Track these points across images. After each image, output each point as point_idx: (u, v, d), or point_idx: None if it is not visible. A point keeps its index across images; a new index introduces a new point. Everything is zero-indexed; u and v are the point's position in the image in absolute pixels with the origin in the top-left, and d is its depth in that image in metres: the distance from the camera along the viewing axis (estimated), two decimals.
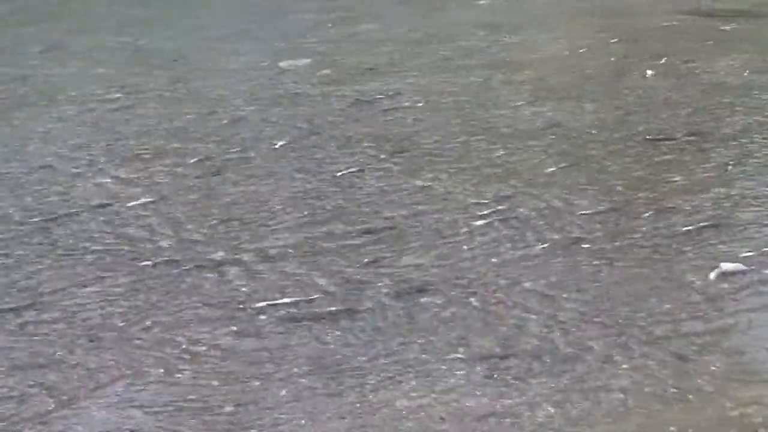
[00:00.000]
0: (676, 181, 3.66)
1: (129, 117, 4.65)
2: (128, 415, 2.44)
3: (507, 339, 2.69)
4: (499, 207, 3.50)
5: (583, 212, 3.43)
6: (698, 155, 3.87)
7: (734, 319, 2.74)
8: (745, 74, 4.77)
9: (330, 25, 6.22)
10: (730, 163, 3.78)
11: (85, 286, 3.08)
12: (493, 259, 3.13)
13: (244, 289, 3.03)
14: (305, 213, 3.54)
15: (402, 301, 2.92)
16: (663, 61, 5.05)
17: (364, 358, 2.64)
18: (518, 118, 4.38)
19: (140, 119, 4.62)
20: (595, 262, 3.09)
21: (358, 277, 3.06)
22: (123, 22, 6.52)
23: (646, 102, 4.49)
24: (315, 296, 2.96)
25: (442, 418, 2.38)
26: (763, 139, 4.01)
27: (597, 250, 3.16)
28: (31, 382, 2.58)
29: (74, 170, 4.02)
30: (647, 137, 4.08)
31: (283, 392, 2.51)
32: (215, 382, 2.56)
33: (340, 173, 3.87)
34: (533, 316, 2.80)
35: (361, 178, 3.82)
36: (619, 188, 3.61)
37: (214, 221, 3.51)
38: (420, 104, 4.64)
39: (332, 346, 2.70)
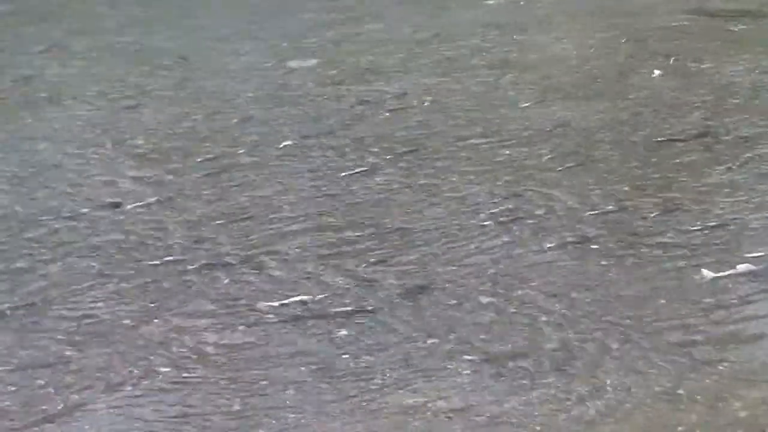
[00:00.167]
0: (684, 181, 3.65)
1: (135, 117, 4.66)
2: (136, 414, 2.45)
3: (515, 339, 2.69)
4: (507, 207, 3.49)
5: (591, 212, 3.42)
6: (707, 156, 3.86)
7: (743, 320, 2.74)
8: (754, 74, 4.76)
9: (335, 25, 6.21)
10: (739, 163, 3.77)
11: (93, 286, 3.08)
12: (501, 259, 3.13)
13: (251, 288, 3.03)
14: (313, 213, 3.54)
15: (410, 300, 2.91)
16: (671, 61, 5.04)
17: (371, 358, 2.63)
18: (525, 118, 4.37)
19: (146, 119, 4.62)
20: (603, 263, 3.08)
21: (366, 276, 3.06)
22: (125, 22, 6.52)
23: (654, 102, 4.48)
24: (323, 296, 2.96)
25: (449, 418, 2.38)
26: None
27: (605, 250, 3.16)
28: (40, 381, 2.59)
29: (82, 170, 4.03)
30: (655, 138, 4.07)
31: (291, 391, 2.51)
32: (223, 381, 2.56)
33: (347, 173, 3.87)
34: (541, 316, 2.79)
35: (369, 178, 3.82)
36: (627, 189, 3.60)
37: (222, 221, 3.51)
38: (427, 104, 4.63)
39: (340, 346, 2.70)
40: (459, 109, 4.54)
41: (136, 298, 2.99)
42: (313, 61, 5.44)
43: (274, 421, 2.40)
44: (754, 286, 2.90)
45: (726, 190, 3.55)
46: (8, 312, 2.95)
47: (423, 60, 5.36)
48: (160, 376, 2.59)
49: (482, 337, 2.71)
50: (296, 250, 3.26)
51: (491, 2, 6.58)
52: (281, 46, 5.79)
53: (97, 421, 2.43)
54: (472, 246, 3.23)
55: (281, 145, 4.20)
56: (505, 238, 3.27)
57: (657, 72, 4.89)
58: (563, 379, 2.50)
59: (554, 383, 2.48)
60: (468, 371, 2.55)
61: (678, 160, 3.84)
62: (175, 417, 2.43)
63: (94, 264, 3.22)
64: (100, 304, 2.97)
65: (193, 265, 3.18)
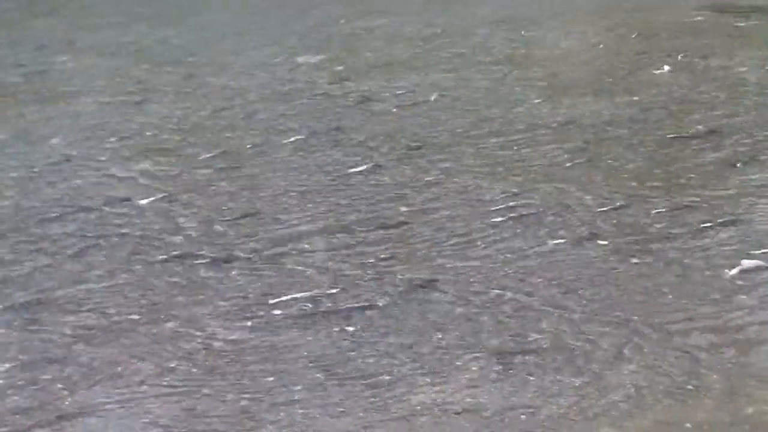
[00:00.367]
0: (693, 177, 3.64)
1: (144, 112, 4.66)
2: (145, 410, 2.45)
3: (522, 335, 2.69)
4: (515, 203, 3.49)
5: (599, 209, 3.42)
6: (716, 152, 3.85)
7: (751, 317, 2.73)
8: (763, 71, 4.74)
9: (344, 20, 6.21)
10: (749, 160, 3.76)
11: (101, 281, 3.08)
12: (509, 255, 3.13)
13: (258, 284, 3.03)
14: (320, 209, 3.54)
15: (418, 297, 2.91)
16: (680, 57, 5.03)
17: (379, 354, 2.63)
18: (534, 114, 4.37)
19: (155, 114, 4.62)
20: (610, 259, 3.08)
21: (374, 273, 3.06)
22: (133, 18, 6.52)
23: (663, 98, 4.47)
24: (329, 292, 2.96)
25: (457, 414, 2.37)
26: None
27: (613, 246, 3.15)
28: (47, 377, 2.59)
29: (90, 166, 4.03)
30: (665, 134, 4.06)
31: (299, 388, 2.51)
32: (230, 377, 2.56)
33: (354, 169, 3.87)
34: (547, 312, 2.79)
35: (376, 174, 3.82)
36: (635, 184, 3.60)
37: (229, 216, 3.51)
38: (435, 100, 4.63)
39: (347, 342, 2.70)
40: (467, 105, 4.53)
41: (145, 294, 3.00)
42: (320, 57, 5.44)
43: (282, 418, 2.40)
44: (764, 281, 2.89)
45: (735, 186, 3.54)
46: (17, 307, 2.95)
47: (431, 56, 5.35)
48: (169, 372, 2.59)
49: (491, 333, 2.70)
50: (304, 246, 3.26)
51: None
52: (289, 41, 5.79)
53: (106, 417, 2.43)
54: (480, 242, 3.23)
55: (289, 141, 4.20)
56: (513, 235, 3.26)
57: (666, 68, 4.88)
58: (572, 376, 2.49)
59: (563, 380, 2.48)
60: (476, 368, 2.55)
61: (687, 157, 3.83)
62: (183, 413, 2.43)
63: (102, 259, 3.23)
64: (108, 300, 2.97)
65: (200, 261, 3.18)
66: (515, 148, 4.00)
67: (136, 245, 3.31)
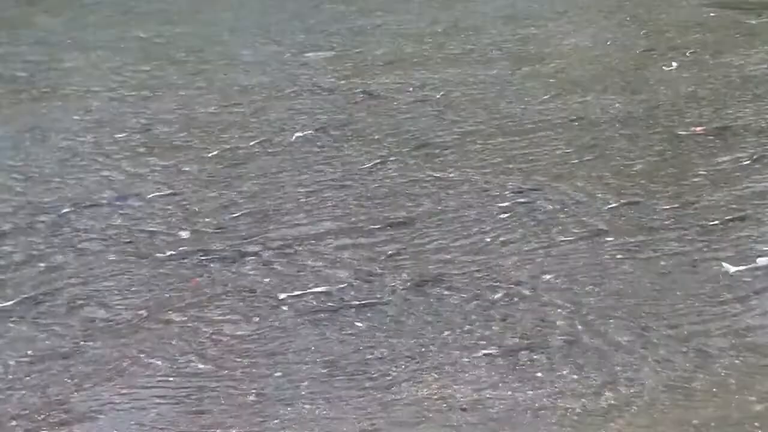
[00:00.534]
0: (701, 174, 3.63)
1: (150, 108, 4.66)
2: (150, 404, 2.45)
3: (529, 332, 2.68)
4: (523, 200, 3.48)
5: (606, 205, 3.41)
6: (724, 149, 3.84)
7: (759, 314, 2.72)
8: None
9: (352, 17, 6.21)
10: (756, 156, 3.75)
11: (106, 277, 3.09)
12: (516, 252, 3.12)
13: (266, 280, 3.03)
14: (327, 205, 3.53)
15: (424, 292, 2.91)
16: (688, 54, 5.01)
17: (385, 350, 2.63)
18: (542, 111, 4.36)
19: (162, 111, 4.62)
20: (618, 256, 3.07)
21: (380, 269, 3.06)
22: (142, 14, 6.53)
23: (672, 95, 4.46)
24: (337, 288, 2.96)
25: (463, 410, 2.37)
26: None
27: (621, 243, 3.15)
28: (54, 371, 2.60)
29: (98, 161, 4.04)
30: (672, 130, 4.05)
31: (305, 383, 2.51)
32: (237, 373, 2.56)
33: (362, 166, 3.86)
34: (556, 309, 2.78)
35: (383, 170, 3.81)
36: (644, 181, 3.59)
37: (236, 212, 3.51)
38: (443, 97, 4.62)
39: (354, 338, 2.70)
40: (475, 102, 4.52)
41: (152, 289, 3.00)
42: (329, 54, 5.44)
43: (288, 413, 2.40)
44: None
45: (743, 183, 3.53)
46: (24, 303, 2.95)
47: (439, 53, 5.34)
48: (177, 367, 2.59)
49: (496, 329, 2.70)
50: (312, 242, 3.26)
51: None
52: (297, 38, 5.79)
53: (114, 411, 2.43)
54: (487, 239, 3.23)
55: (296, 138, 4.20)
56: (521, 231, 3.26)
57: (674, 64, 4.87)
58: (577, 372, 2.49)
59: (568, 376, 2.48)
60: (482, 363, 2.55)
61: (694, 153, 3.82)
62: (190, 407, 2.43)
63: (109, 255, 3.23)
64: (115, 295, 2.97)
65: (208, 257, 3.18)
66: (524, 144, 3.99)
67: (144, 241, 3.31)
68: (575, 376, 2.48)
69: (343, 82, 4.92)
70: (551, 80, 4.75)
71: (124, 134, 4.33)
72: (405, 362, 2.57)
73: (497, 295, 2.87)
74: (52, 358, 2.66)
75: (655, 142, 3.96)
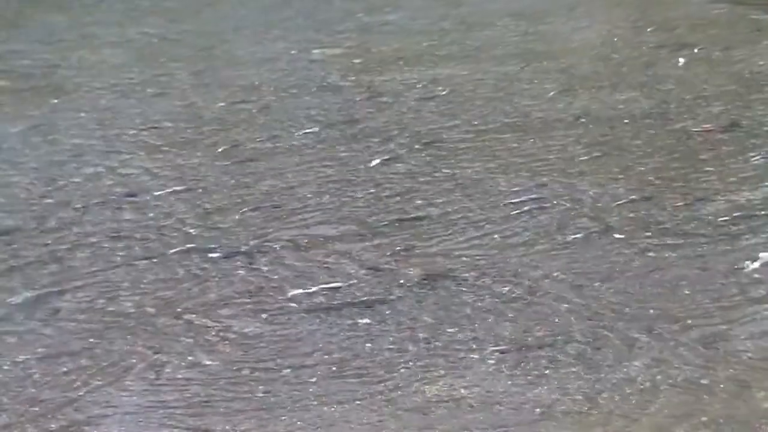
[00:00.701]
0: (709, 170, 3.62)
1: (159, 105, 4.67)
2: (159, 401, 2.45)
3: (538, 328, 2.68)
4: (531, 197, 3.48)
5: (615, 202, 3.41)
6: (733, 145, 3.83)
7: None
8: None
9: (360, 13, 6.21)
10: (765, 153, 3.74)
11: (115, 274, 3.09)
12: (524, 249, 3.12)
13: (274, 276, 3.03)
14: (335, 202, 3.54)
15: (432, 290, 2.91)
16: (697, 50, 5.00)
17: (394, 347, 2.63)
18: (550, 107, 4.36)
19: (170, 108, 4.63)
20: (627, 252, 3.07)
21: (389, 266, 3.06)
22: (150, 10, 6.54)
23: (680, 91, 4.45)
24: (345, 285, 2.96)
25: (472, 407, 2.37)
26: None
27: (629, 240, 3.14)
28: (63, 368, 2.60)
29: (105, 158, 4.04)
30: (682, 127, 4.04)
31: (313, 380, 2.51)
32: (245, 370, 2.56)
33: (370, 162, 3.86)
34: (564, 306, 2.78)
35: (392, 167, 3.81)
36: (652, 178, 3.58)
37: (244, 209, 3.51)
38: (451, 93, 4.62)
39: (362, 335, 2.70)
40: (483, 99, 4.52)
41: (159, 287, 3.00)
42: (336, 50, 5.44)
43: (296, 410, 2.40)
44: None
45: (752, 180, 3.52)
46: (33, 300, 2.96)
47: (447, 49, 5.34)
48: (183, 364, 2.60)
49: (505, 326, 2.70)
50: (319, 239, 3.26)
51: None
52: (304, 35, 5.79)
53: (120, 408, 2.44)
54: (496, 236, 3.22)
55: (303, 134, 4.20)
56: (529, 228, 3.26)
57: (682, 60, 4.86)
58: (587, 370, 2.49)
59: (578, 373, 2.47)
60: (491, 361, 2.55)
61: (703, 150, 3.81)
62: (197, 405, 2.44)
63: (117, 252, 3.23)
64: (123, 293, 2.98)
65: (216, 253, 3.19)
66: (531, 141, 3.99)
67: (152, 238, 3.32)
68: (584, 374, 2.47)
69: (351, 78, 4.92)
70: (560, 77, 4.75)
71: (133, 131, 4.34)
72: (413, 359, 2.57)
73: (506, 293, 2.87)
74: (62, 354, 2.67)
75: (665, 139, 3.95)
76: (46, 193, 3.72)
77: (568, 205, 3.41)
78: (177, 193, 3.68)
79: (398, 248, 3.17)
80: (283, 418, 2.38)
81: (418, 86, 4.75)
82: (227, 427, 2.35)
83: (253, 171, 3.85)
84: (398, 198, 3.54)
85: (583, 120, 4.19)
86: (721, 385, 2.40)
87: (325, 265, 3.08)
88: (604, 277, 2.92)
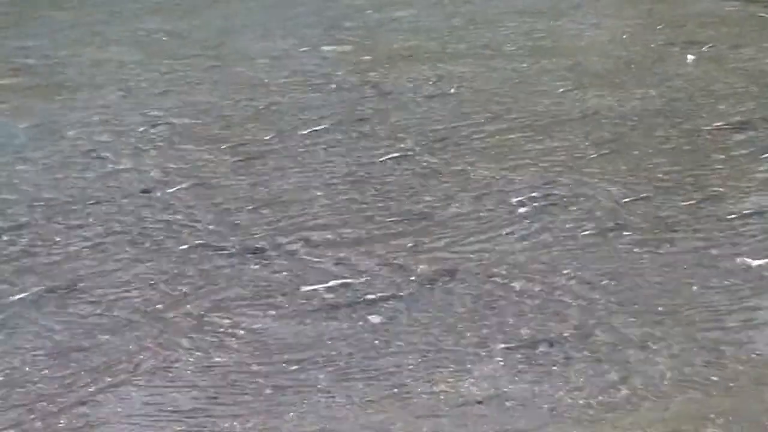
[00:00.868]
0: (719, 168, 3.61)
1: (168, 102, 4.67)
2: (168, 398, 2.46)
3: (546, 326, 2.68)
4: (539, 194, 3.47)
5: (625, 200, 3.40)
6: (743, 143, 3.83)
7: None
8: None
9: (369, 11, 6.20)
10: None
11: (125, 270, 3.10)
12: (534, 246, 3.11)
13: (284, 273, 3.04)
14: (345, 199, 3.53)
15: (440, 286, 2.91)
16: (706, 48, 4.99)
17: (402, 344, 2.63)
18: (559, 105, 4.35)
19: (179, 104, 4.63)
20: (636, 250, 3.06)
21: (398, 262, 3.06)
22: (158, 7, 6.54)
23: (689, 89, 4.44)
24: (355, 282, 2.96)
25: (480, 403, 2.37)
26: None
27: (638, 237, 3.14)
28: (73, 365, 2.61)
29: (113, 156, 4.05)
30: (690, 124, 4.03)
31: (322, 376, 2.51)
32: (255, 366, 2.57)
33: (379, 159, 3.86)
34: (574, 304, 2.78)
35: (401, 164, 3.81)
36: (661, 175, 3.58)
37: (254, 206, 3.51)
38: (460, 91, 4.61)
39: (371, 332, 2.70)
40: (492, 96, 4.52)
41: (168, 283, 3.01)
42: (345, 48, 5.44)
43: (305, 406, 2.40)
44: None
45: (762, 177, 3.51)
46: (41, 297, 2.97)
47: (456, 46, 5.34)
48: (192, 360, 2.60)
49: (514, 323, 2.70)
50: (327, 236, 3.26)
51: None
52: (314, 32, 5.79)
53: (129, 404, 2.44)
54: (505, 233, 3.22)
55: (313, 131, 4.20)
56: (538, 225, 3.25)
57: (691, 57, 4.85)
58: (595, 366, 2.49)
59: (586, 370, 2.47)
60: (499, 357, 2.54)
61: (714, 148, 3.81)
62: (206, 400, 2.44)
63: (125, 249, 3.24)
64: (132, 289, 2.98)
65: (224, 250, 3.19)
66: (540, 138, 3.98)
67: (158, 236, 3.32)
68: (591, 371, 2.47)
69: (359, 75, 4.92)
70: (569, 74, 4.74)
71: (140, 129, 4.34)
72: (421, 355, 2.57)
73: (516, 291, 2.86)
74: (71, 351, 2.67)
75: (672, 136, 3.94)
76: (54, 189, 3.73)
77: (576, 202, 3.40)
78: (186, 190, 3.68)
79: (408, 245, 3.17)
80: (292, 415, 2.38)
81: (427, 84, 4.75)
82: (236, 424, 2.35)
83: (263, 168, 3.85)
84: (407, 196, 3.54)
85: (592, 118, 4.18)
86: (733, 383, 2.39)
87: (335, 263, 3.08)
88: (614, 275, 2.92)
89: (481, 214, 3.36)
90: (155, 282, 3.02)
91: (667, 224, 3.22)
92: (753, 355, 2.50)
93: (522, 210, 3.37)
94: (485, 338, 2.63)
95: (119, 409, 2.43)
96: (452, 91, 4.63)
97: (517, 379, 2.46)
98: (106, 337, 2.73)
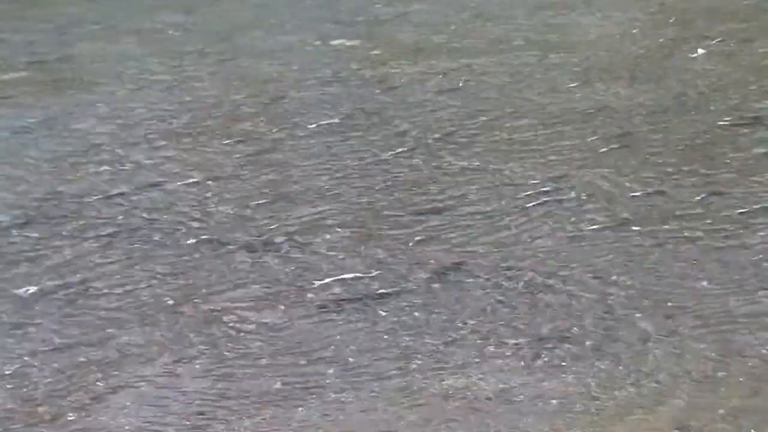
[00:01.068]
0: (728, 163, 3.60)
1: (178, 96, 4.67)
2: (177, 392, 2.46)
3: (555, 321, 2.67)
4: (549, 189, 3.47)
5: (633, 194, 3.40)
6: (751, 138, 3.81)
7: None
8: None
9: (379, 4, 6.19)
10: None
11: (134, 265, 3.10)
12: (542, 241, 3.11)
13: (292, 268, 3.04)
14: (354, 193, 3.54)
15: (449, 282, 2.91)
16: (715, 42, 4.98)
17: (411, 339, 2.63)
18: (568, 99, 4.34)
19: (189, 98, 4.64)
20: (645, 245, 3.06)
21: (407, 257, 3.06)
22: (170, 2, 6.54)
23: (699, 83, 4.43)
24: (363, 276, 2.96)
25: (489, 399, 2.37)
26: None
27: (647, 232, 3.13)
28: (82, 359, 2.61)
29: (123, 150, 4.05)
30: (700, 119, 4.02)
31: (330, 371, 2.52)
32: (263, 361, 2.57)
33: (389, 153, 3.86)
34: (582, 298, 2.77)
35: (409, 159, 3.81)
36: (671, 170, 3.57)
37: (263, 200, 3.51)
38: (470, 85, 4.61)
39: (380, 326, 2.70)
40: (502, 90, 4.51)
41: (178, 278, 3.01)
42: (355, 41, 5.43)
43: (314, 401, 2.40)
44: None
45: None
46: (52, 292, 2.97)
47: (466, 40, 5.33)
48: (202, 355, 2.60)
49: (522, 318, 2.69)
50: (336, 230, 3.27)
51: None
52: (324, 25, 5.79)
53: (139, 399, 2.45)
54: (514, 228, 3.22)
55: (322, 125, 4.20)
56: (547, 220, 3.25)
57: (701, 51, 4.83)
58: (604, 362, 2.48)
59: (594, 365, 2.47)
60: (508, 353, 2.54)
61: (724, 143, 3.80)
62: (215, 395, 2.44)
63: (135, 243, 3.24)
64: (141, 284, 2.99)
65: (233, 245, 3.19)
66: (549, 133, 3.98)
67: (168, 230, 3.33)
68: (601, 366, 2.47)
69: (368, 70, 4.91)
70: (577, 69, 4.73)
71: (150, 122, 4.35)
72: (430, 351, 2.57)
73: (523, 285, 2.86)
74: (78, 345, 2.68)
75: (682, 131, 3.93)
76: (63, 183, 3.73)
77: (584, 197, 3.40)
78: (196, 184, 3.68)
79: (415, 240, 3.17)
80: (300, 409, 2.38)
81: (434, 78, 4.74)
82: (245, 418, 2.36)
83: (271, 162, 3.86)
84: (415, 189, 3.53)
85: (600, 112, 4.17)
86: (739, 379, 2.39)
87: (343, 258, 3.08)
88: (621, 270, 2.91)
89: (488, 208, 3.36)
90: (163, 276, 3.02)
91: (677, 219, 3.21)
92: (764, 351, 2.49)
93: (529, 205, 3.36)
94: (492, 333, 2.63)
95: (128, 404, 2.43)
96: (461, 85, 4.62)
97: (527, 374, 2.45)
98: (116, 331, 2.74)
